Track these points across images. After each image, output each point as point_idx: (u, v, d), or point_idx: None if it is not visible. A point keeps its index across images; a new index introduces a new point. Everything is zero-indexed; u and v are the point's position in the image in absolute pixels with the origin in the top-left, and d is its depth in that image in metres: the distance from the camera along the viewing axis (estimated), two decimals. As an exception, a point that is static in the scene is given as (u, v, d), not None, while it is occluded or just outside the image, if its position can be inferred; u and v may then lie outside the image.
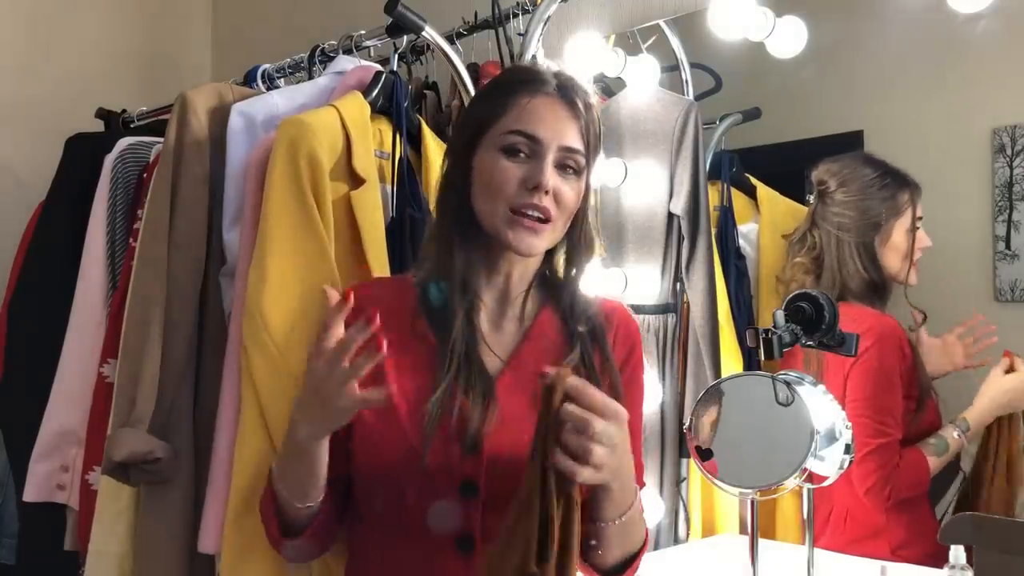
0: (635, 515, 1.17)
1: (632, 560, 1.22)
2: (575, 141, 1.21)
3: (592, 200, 1.27)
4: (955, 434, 1.52)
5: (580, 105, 1.22)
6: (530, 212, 1.18)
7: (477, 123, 1.24)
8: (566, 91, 1.23)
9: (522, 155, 1.20)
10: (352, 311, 1.21)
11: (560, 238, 1.25)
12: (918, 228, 1.60)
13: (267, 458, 1.37)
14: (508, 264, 1.26)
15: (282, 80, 2.01)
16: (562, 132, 1.20)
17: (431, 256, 1.27)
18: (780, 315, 1.36)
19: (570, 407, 1.02)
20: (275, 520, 1.23)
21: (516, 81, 1.25)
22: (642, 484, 1.32)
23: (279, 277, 1.41)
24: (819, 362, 1.55)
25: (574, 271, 1.28)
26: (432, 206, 1.33)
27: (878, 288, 1.62)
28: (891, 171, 1.62)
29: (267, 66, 2.02)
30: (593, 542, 1.16)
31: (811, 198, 1.69)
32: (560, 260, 1.29)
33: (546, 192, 1.18)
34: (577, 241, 1.27)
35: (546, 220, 1.20)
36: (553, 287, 1.30)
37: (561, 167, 1.21)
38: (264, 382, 1.39)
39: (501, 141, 1.20)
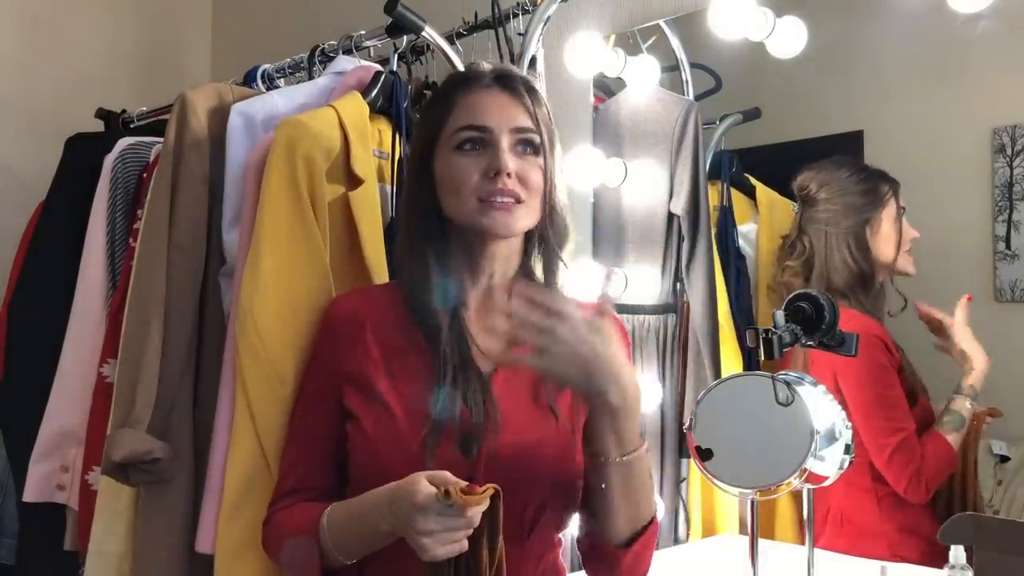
0: (642, 468, 1.15)
1: (641, 533, 1.18)
2: (525, 121, 1.23)
3: (560, 184, 1.27)
4: (968, 404, 1.49)
5: (521, 89, 1.25)
6: (498, 198, 1.20)
7: (429, 131, 1.27)
8: (504, 80, 1.25)
9: (477, 148, 1.22)
10: (323, 326, 1.27)
11: (536, 220, 1.25)
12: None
13: (258, 458, 1.37)
14: (489, 261, 1.26)
15: (282, 80, 2.01)
16: (509, 116, 1.23)
17: (406, 266, 1.29)
18: (780, 315, 1.36)
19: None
20: (316, 566, 1.19)
21: (454, 84, 1.28)
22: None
23: (271, 278, 1.41)
24: (804, 362, 1.54)
25: (552, 258, 1.28)
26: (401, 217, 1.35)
27: (864, 279, 1.62)
28: (868, 168, 1.65)
29: (267, 66, 2.02)
30: (599, 495, 1.14)
31: (795, 207, 1.71)
32: (537, 256, 1.30)
33: (508, 175, 1.20)
34: (549, 228, 1.26)
35: (517, 201, 1.21)
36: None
37: (518, 148, 1.23)
38: (252, 383, 1.38)
39: (453, 140, 1.23)
